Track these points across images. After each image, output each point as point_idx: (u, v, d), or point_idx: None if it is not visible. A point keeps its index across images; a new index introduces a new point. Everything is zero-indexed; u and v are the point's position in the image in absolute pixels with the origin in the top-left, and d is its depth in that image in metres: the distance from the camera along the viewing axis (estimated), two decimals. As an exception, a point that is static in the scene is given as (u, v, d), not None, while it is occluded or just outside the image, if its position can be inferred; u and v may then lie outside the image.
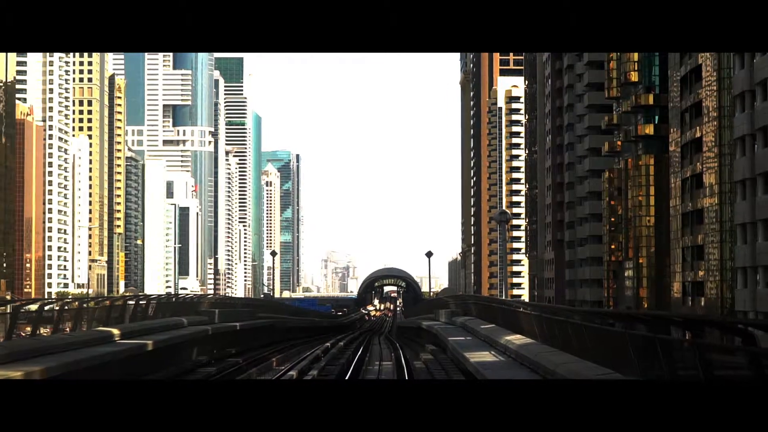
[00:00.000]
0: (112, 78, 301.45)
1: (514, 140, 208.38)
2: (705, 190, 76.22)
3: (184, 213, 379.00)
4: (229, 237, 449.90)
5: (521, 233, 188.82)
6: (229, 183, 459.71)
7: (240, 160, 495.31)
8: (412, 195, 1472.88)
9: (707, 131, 75.54)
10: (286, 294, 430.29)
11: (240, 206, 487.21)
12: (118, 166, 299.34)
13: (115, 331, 35.05)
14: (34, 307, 32.43)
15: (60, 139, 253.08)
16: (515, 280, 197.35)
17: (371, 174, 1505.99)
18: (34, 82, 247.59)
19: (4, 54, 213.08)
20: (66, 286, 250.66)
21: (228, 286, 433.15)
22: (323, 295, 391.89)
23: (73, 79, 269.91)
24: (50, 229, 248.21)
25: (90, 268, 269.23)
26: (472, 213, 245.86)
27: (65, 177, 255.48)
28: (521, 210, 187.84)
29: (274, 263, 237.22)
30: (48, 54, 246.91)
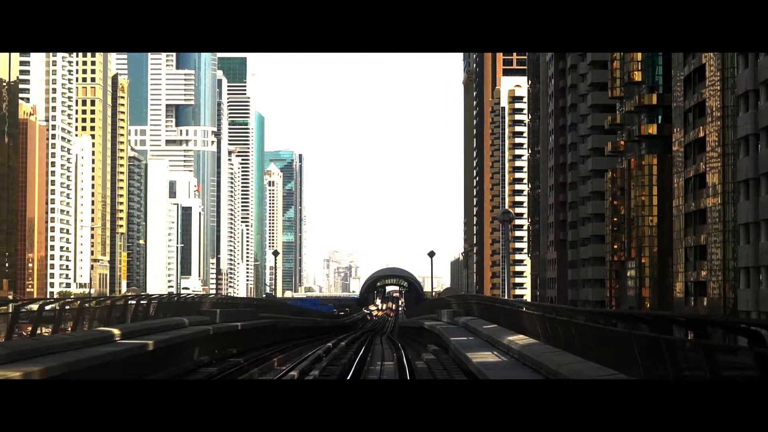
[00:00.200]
0: (115, 78, 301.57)
1: (517, 140, 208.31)
2: (708, 190, 76.06)
3: (186, 213, 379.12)
4: (231, 237, 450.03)
5: (524, 233, 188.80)
6: (231, 183, 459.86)
7: (243, 159, 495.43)
8: (415, 195, 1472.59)
9: (710, 131, 75.39)
10: (288, 294, 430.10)
11: (242, 206, 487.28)
12: (121, 165, 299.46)
13: (116, 331, 34.92)
14: (34, 306, 32.31)
15: (63, 138, 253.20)
16: (517, 280, 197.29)
17: (374, 174, 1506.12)
18: (37, 82, 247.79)
19: (7, 54, 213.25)
20: (68, 285, 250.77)
21: (230, 286, 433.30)
22: (325, 295, 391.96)
23: (76, 79, 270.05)
24: (53, 229, 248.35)
25: (92, 267, 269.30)
26: (475, 213, 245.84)
27: (68, 177, 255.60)
28: (524, 210, 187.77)
29: (276, 263, 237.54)
30: (51, 54, 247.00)
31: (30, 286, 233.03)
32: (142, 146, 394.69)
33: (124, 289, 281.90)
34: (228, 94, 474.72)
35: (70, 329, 32.60)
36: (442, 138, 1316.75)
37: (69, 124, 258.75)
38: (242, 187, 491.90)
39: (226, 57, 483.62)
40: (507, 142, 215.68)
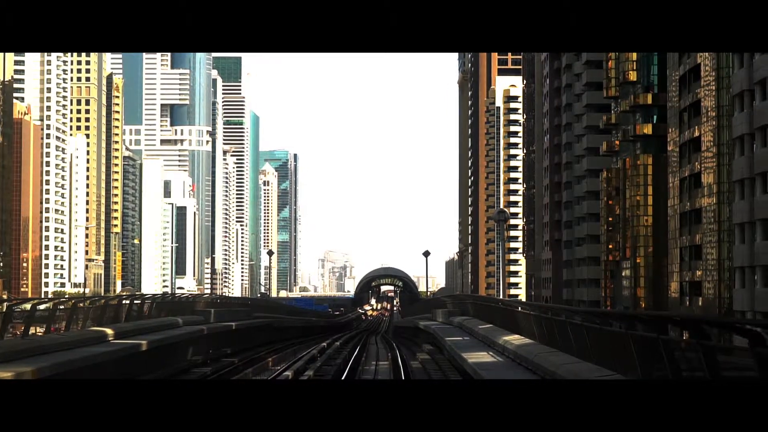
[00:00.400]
0: (109, 77, 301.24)
1: (512, 140, 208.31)
2: (703, 190, 76.01)
3: (181, 212, 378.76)
4: (226, 236, 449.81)
5: (519, 233, 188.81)
6: (226, 182, 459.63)
7: (237, 159, 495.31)
8: (410, 195, 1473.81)
9: (706, 131, 75.34)
10: (283, 293, 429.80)
11: (237, 206, 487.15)
12: (116, 165, 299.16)
13: (109, 331, 34.75)
14: (28, 306, 32.13)
15: (57, 138, 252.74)
16: (512, 280, 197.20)
17: (369, 174, 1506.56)
18: (31, 81, 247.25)
19: (2, 53, 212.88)
20: (63, 285, 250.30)
21: (225, 286, 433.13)
22: (320, 295, 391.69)
23: (71, 78, 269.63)
24: (47, 229, 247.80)
25: (87, 267, 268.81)
26: (470, 213, 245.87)
27: (62, 176, 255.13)
28: (519, 210, 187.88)
29: (271, 263, 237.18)
30: (45, 53, 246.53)
31: (24, 286, 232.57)
32: (136, 146, 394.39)
33: (119, 288, 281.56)
34: (223, 93, 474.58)
35: (63, 329, 32.41)
36: (437, 137, 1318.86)
37: (64, 123, 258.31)
38: (237, 186, 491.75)
39: (221, 57, 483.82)
40: (502, 141, 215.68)
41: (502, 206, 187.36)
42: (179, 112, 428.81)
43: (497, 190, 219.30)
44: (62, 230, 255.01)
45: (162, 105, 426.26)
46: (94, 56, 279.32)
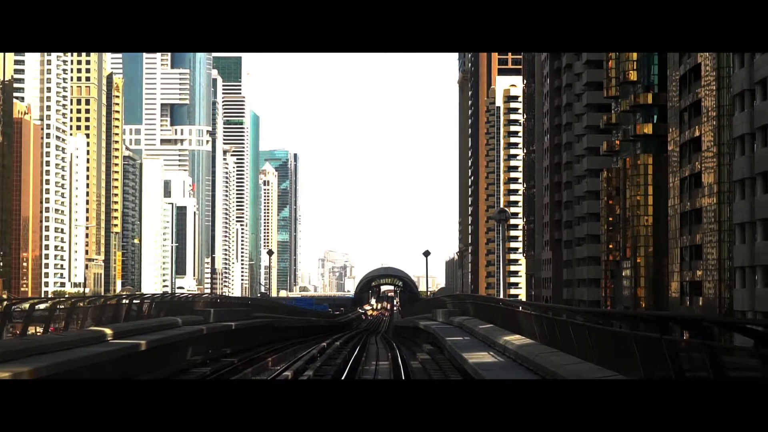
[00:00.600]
0: (110, 77, 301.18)
1: (512, 140, 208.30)
2: (704, 190, 75.93)
3: (181, 212, 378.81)
4: (226, 236, 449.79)
5: (519, 233, 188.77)
6: (226, 182, 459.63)
7: (238, 159, 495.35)
8: (410, 195, 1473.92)
9: (706, 130, 75.26)
10: (283, 293, 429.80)
11: (237, 205, 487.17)
12: (116, 165, 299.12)
13: (108, 331, 34.65)
14: (26, 305, 32.05)
15: (57, 138, 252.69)
16: (512, 280, 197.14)
17: (369, 173, 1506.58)
18: (31, 81, 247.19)
19: (2, 53, 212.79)
20: (63, 285, 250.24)
21: (225, 286, 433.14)
22: (320, 295, 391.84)
23: (71, 78, 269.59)
24: (47, 228, 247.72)
25: (87, 267, 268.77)
26: (470, 212, 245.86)
27: (62, 176, 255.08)
28: (519, 209, 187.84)
29: (271, 262, 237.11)
30: (46, 53, 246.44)
31: (24, 286, 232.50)
32: (136, 145, 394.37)
33: (118, 288, 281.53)
34: (223, 93, 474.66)
35: (61, 329, 32.32)
36: (438, 137, 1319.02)
37: (64, 123, 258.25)
38: (237, 186, 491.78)
39: (221, 56, 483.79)
40: (502, 141, 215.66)
41: (502, 206, 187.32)
42: (179, 111, 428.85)
43: (497, 190, 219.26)
44: (62, 230, 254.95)
45: (162, 105, 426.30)
46: (94, 56, 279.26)
